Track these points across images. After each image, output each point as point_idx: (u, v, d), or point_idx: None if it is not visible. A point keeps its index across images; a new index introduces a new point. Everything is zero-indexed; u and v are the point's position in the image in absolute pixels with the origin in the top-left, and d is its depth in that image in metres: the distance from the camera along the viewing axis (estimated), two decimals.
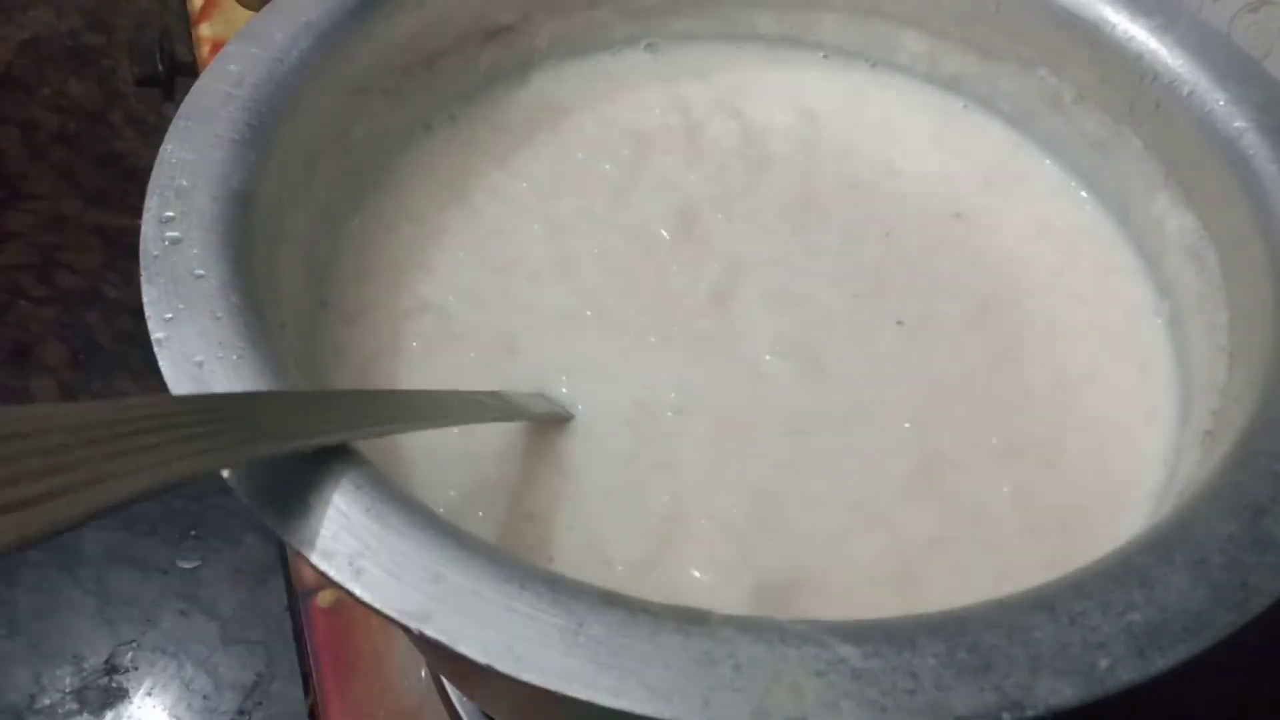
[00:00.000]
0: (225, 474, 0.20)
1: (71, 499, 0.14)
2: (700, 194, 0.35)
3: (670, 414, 0.29)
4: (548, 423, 0.29)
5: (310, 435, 0.21)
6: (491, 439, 0.28)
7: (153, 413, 0.17)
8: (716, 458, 0.28)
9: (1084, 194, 0.36)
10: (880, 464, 0.28)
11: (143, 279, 0.24)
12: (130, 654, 0.90)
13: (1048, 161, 0.37)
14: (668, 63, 0.40)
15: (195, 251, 0.24)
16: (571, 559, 0.26)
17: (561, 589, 0.19)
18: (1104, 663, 0.18)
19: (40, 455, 0.15)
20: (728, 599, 0.25)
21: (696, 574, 0.26)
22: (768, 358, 0.31)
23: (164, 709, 0.87)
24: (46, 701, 0.87)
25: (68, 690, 0.88)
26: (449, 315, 0.32)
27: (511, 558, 0.20)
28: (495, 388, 0.28)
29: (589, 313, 0.32)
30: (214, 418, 0.19)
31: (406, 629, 0.19)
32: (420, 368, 0.30)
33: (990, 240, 0.34)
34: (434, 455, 0.27)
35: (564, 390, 0.30)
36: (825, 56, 0.41)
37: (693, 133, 0.38)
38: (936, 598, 0.25)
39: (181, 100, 0.28)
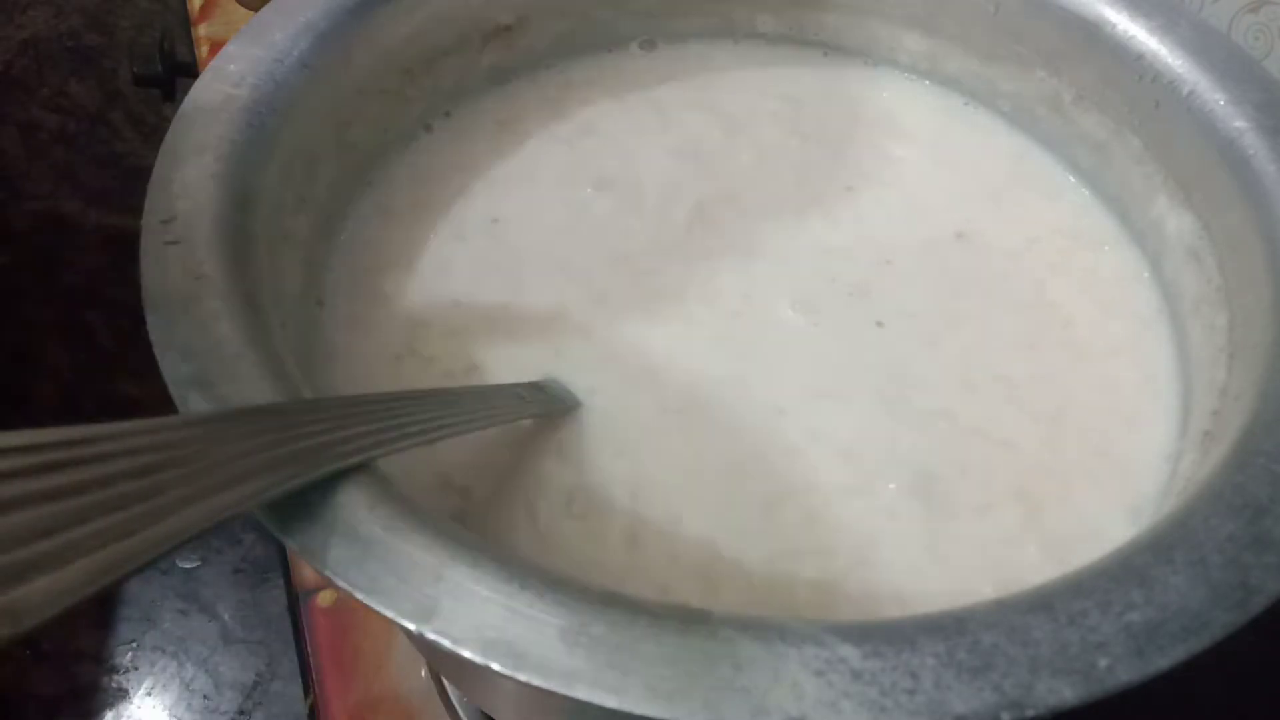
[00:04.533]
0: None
1: (61, 574, 0.13)
2: (701, 191, 0.35)
3: (667, 412, 0.29)
4: (562, 414, 0.29)
5: (361, 451, 0.20)
6: (494, 431, 0.28)
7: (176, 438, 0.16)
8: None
9: (1084, 194, 0.36)
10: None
11: (143, 279, 0.24)
12: (130, 654, 0.90)
13: (1048, 162, 0.37)
14: (666, 61, 0.40)
15: (195, 251, 0.24)
16: (576, 552, 0.26)
17: (561, 589, 0.19)
18: (1103, 662, 0.18)
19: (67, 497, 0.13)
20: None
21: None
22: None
23: (164, 709, 0.87)
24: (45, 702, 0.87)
25: (67, 690, 0.88)
26: (449, 313, 0.32)
27: (511, 558, 0.20)
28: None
29: (592, 306, 0.32)
30: (269, 437, 0.18)
31: (407, 629, 0.19)
32: (420, 367, 0.30)
33: (988, 245, 0.34)
34: (432, 452, 0.27)
35: (573, 384, 0.30)
36: (825, 55, 0.41)
37: (692, 130, 0.38)
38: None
39: (181, 100, 0.28)
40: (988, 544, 0.27)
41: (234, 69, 0.29)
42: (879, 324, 0.32)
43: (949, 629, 0.19)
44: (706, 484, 0.28)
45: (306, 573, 0.43)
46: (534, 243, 0.34)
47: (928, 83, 0.40)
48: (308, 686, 0.40)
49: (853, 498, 0.28)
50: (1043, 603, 0.19)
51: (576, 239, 0.34)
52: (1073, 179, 0.37)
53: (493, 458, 0.28)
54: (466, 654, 0.18)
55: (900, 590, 0.26)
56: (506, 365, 0.30)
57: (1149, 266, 0.33)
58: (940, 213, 0.35)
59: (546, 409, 0.28)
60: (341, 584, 0.19)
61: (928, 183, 0.36)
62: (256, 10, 0.32)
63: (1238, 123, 0.29)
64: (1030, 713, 0.18)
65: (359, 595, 0.19)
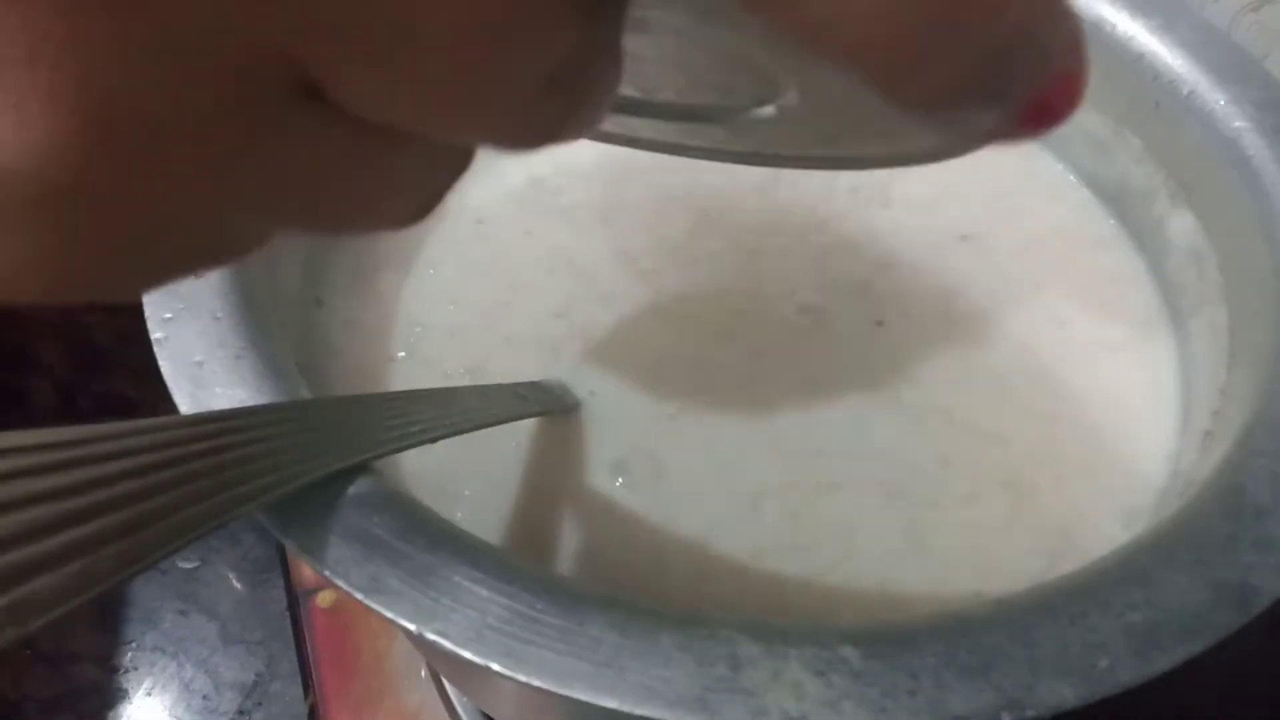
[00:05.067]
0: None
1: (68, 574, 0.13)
2: (702, 191, 0.35)
3: (671, 413, 0.29)
4: (563, 413, 0.29)
5: (361, 451, 0.20)
6: (492, 431, 0.28)
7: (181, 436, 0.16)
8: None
9: (1084, 194, 0.36)
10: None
11: None
12: (130, 654, 0.90)
13: (1048, 162, 0.37)
14: None
15: None
16: (574, 551, 0.26)
17: (561, 589, 0.19)
18: (1104, 663, 0.18)
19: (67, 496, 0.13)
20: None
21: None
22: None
23: (164, 709, 0.87)
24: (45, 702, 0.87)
25: (67, 691, 0.88)
26: (447, 313, 0.32)
27: (511, 558, 0.20)
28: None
29: (593, 306, 0.32)
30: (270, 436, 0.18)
31: (407, 630, 0.19)
32: (419, 367, 0.30)
33: (989, 245, 0.34)
34: (431, 452, 0.27)
35: (572, 384, 0.30)
36: None
37: None
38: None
39: None
40: (976, 533, 0.27)
41: None
42: (879, 323, 0.32)
43: (949, 629, 0.19)
44: (701, 483, 0.28)
45: (306, 573, 0.43)
46: (532, 242, 0.34)
47: None
48: (307, 686, 0.40)
49: (836, 492, 0.28)
50: (1043, 603, 0.19)
51: (577, 239, 0.34)
52: (1073, 179, 0.37)
53: (492, 457, 0.28)
54: (466, 654, 0.18)
55: (885, 581, 0.26)
56: (506, 365, 0.30)
57: (1149, 266, 0.33)
58: (942, 213, 0.35)
59: (546, 409, 0.28)
60: (341, 584, 0.19)
61: (928, 183, 0.36)
62: None
63: (1238, 123, 0.29)
64: (1030, 713, 0.18)
65: (359, 596, 0.19)
